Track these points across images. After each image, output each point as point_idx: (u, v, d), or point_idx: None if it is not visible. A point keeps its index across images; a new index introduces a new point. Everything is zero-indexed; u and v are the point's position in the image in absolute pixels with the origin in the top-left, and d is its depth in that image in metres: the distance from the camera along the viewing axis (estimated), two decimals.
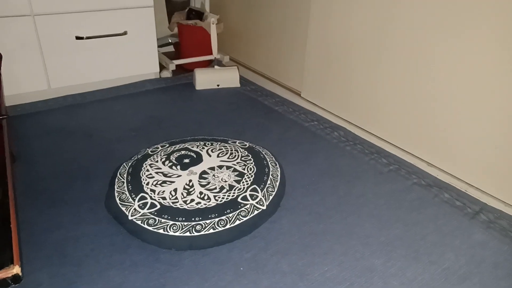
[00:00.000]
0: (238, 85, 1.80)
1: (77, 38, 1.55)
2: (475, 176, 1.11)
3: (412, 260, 0.89)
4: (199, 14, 1.96)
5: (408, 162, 1.26)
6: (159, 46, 2.04)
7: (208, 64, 2.04)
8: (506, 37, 0.97)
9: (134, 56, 1.72)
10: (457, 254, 0.91)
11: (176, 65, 1.91)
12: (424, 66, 1.17)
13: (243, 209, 0.94)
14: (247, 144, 1.20)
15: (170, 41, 2.16)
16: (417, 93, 1.21)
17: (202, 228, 0.89)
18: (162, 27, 2.09)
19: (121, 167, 1.08)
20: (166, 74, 1.88)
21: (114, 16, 1.61)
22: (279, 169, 1.11)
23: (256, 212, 0.95)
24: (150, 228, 0.88)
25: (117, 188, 1.00)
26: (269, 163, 1.11)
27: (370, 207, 1.06)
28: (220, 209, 0.93)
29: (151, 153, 1.13)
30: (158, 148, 1.16)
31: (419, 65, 1.18)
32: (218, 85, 1.78)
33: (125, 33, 1.65)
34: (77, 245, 0.90)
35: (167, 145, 1.19)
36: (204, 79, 1.76)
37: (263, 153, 1.17)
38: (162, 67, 1.90)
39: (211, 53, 1.89)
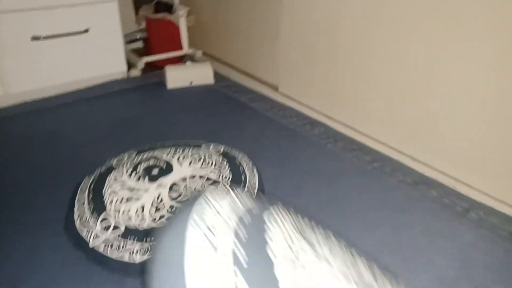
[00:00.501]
0: (212, 81, 1.70)
1: (34, 38, 1.43)
2: (463, 171, 1.06)
3: (400, 267, 0.83)
4: (167, 7, 1.84)
5: (392, 158, 1.20)
6: (126, 43, 1.92)
7: (180, 60, 1.93)
8: (486, 31, 0.91)
9: (98, 55, 1.60)
10: (447, 257, 0.86)
11: (146, 63, 1.80)
12: (408, 59, 1.10)
13: None
14: (222, 148, 1.12)
15: (138, 36, 2.04)
16: (400, 85, 1.14)
17: None
18: (129, 22, 1.97)
19: (83, 183, 0.99)
20: (135, 73, 1.77)
21: (74, 13, 1.49)
22: (256, 176, 1.03)
23: None
24: (113, 257, 0.79)
25: (77, 209, 0.91)
26: (245, 169, 1.04)
27: (355, 208, 1.00)
28: None
29: (115, 165, 1.04)
30: (124, 158, 1.07)
31: (403, 58, 1.11)
32: (191, 83, 1.68)
33: (87, 30, 1.53)
34: (30, 280, 0.80)
35: (134, 153, 1.09)
36: (176, 77, 1.66)
37: (239, 158, 1.09)
38: (131, 66, 1.78)
39: (182, 48, 1.78)
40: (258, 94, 1.62)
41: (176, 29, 1.79)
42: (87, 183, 0.99)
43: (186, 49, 1.79)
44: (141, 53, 1.90)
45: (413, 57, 1.08)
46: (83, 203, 0.93)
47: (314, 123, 1.40)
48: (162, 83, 1.70)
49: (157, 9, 1.84)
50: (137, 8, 1.94)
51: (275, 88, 1.60)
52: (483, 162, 1.01)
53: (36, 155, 1.19)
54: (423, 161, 1.14)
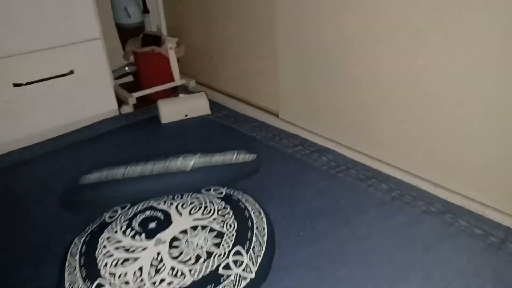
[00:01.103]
0: (209, 112, 1.61)
1: (15, 85, 1.34)
2: (492, 195, 0.96)
3: None
4: (155, 39, 1.77)
5: (411, 184, 1.10)
6: (116, 78, 1.84)
7: (173, 92, 1.85)
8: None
9: (86, 95, 1.52)
10: None
11: (138, 98, 1.71)
12: (419, 74, 1.02)
13: (226, 282, 0.76)
14: (223, 191, 1.02)
15: (127, 69, 1.96)
16: (412, 103, 1.05)
17: None
18: (116, 56, 1.89)
19: (72, 245, 0.88)
20: (127, 109, 1.68)
21: (57, 55, 1.41)
22: (265, 220, 0.93)
23: (244, 283, 0.77)
24: None
25: (68, 276, 0.80)
26: (251, 213, 0.93)
27: (379, 251, 0.89)
28: (198, 287, 0.74)
29: (108, 220, 0.93)
30: (118, 211, 0.97)
31: (412, 74, 1.03)
32: (186, 115, 1.59)
33: (71, 72, 1.45)
34: None
35: (129, 205, 0.99)
36: (170, 111, 1.57)
37: (243, 200, 0.98)
38: (121, 102, 1.70)
39: (173, 80, 1.70)
40: (258, 122, 1.53)
41: (166, 61, 1.72)
42: (77, 245, 0.88)
43: (178, 81, 1.71)
44: (131, 88, 1.82)
45: (426, 74, 1.00)
46: (74, 269, 0.82)
47: (322, 150, 1.30)
48: (155, 118, 1.61)
49: (145, 42, 1.77)
50: (123, 42, 1.86)
51: (276, 115, 1.51)
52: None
53: (21, 218, 1.08)
54: (445, 185, 1.04)
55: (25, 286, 0.86)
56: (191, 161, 0.97)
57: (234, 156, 1.04)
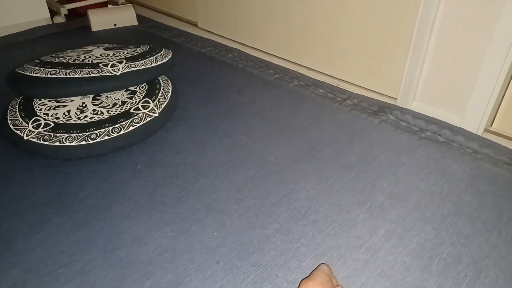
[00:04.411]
0: (136, 22, 1.81)
1: None
2: (345, 72, 1.29)
3: (286, 142, 1.05)
4: None
5: (292, 70, 1.41)
6: None
7: (103, 6, 2.00)
8: None
9: (19, 1, 1.64)
10: (323, 131, 1.09)
11: (71, 11, 1.85)
12: None
13: (135, 117, 1.03)
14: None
15: None
16: (296, 6, 1.34)
17: (97, 136, 0.96)
18: None
19: (13, 101, 1.10)
20: (59, 19, 1.83)
21: None
22: (170, 85, 1.19)
23: (148, 119, 1.04)
24: (46, 143, 0.94)
25: (10, 117, 1.03)
26: (160, 81, 1.19)
27: (256, 108, 1.20)
28: (113, 120, 1.00)
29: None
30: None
31: None
32: (115, 25, 1.77)
33: None
34: None
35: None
36: (99, 20, 1.74)
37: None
38: (54, 13, 1.83)
39: None
40: (179, 31, 1.76)
41: None
42: (17, 100, 1.10)
43: None
44: (63, 2, 1.94)
45: None
46: (15, 112, 1.04)
47: (229, 50, 1.57)
48: (87, 27, 1.78)
49: None
50: None
51: (195, 24, 1.74)
52: (358, 64, 1.24)
53: None
54: (316, 68, 1.36)
55: None
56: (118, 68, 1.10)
57: (153, 60, 1.17)
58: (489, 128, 1.06)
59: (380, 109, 1.17)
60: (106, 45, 1.27)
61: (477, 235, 0.76)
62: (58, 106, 1.05)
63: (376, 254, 0.72)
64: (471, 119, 1.04)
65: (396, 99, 1.18)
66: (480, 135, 1.04)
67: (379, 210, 0.82)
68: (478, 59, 0.98)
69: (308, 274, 0.65)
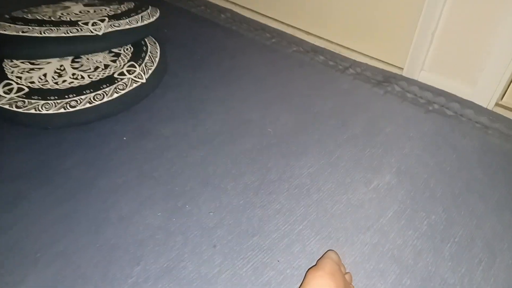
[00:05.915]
0: None
1: None
2: (347, 38, 1.20)
3: (285, 111, 0.97)
4: None
5: (289, 34, 1.31)
6: None
7: None
8: None
9: None
10: (325, 100, 1.01)
11: None
12: None
13: (120, 83, 0.93)
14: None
15: None
16: None
17: (77, 103, 0.87)
18: None
19: None
20: None
21: None
22: (158, 47, 1.09)
23: (135, 85, 0.95)
24: (20, 110, 0.84)
25: None
26: (147, 42, 1.08)
27: (252, 75, 1.11)
28: (95, 85, 0.91)
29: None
30: None
31: None
32: None
33: None
34: None
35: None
36: None
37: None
38: None
39: None
40: None
41: None
42: None
43: None
44: None
45: None
46: None
47: (222, 10, 1.45)
48: None
49: None
50: None
51: None
52: (362, 29, 1.15)
53: None
54: (315, 33, 1.27)
55: None
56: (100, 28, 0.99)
57: (139, 19, 1.06)
58: (499, 102, 1.00)
59: (385, 79, 1.09)
60: (86, 0, 1.15)
61: (490, 215, 0.72)
62: (32, 69, 0.94)
63: (385, 237, 0.67)
64: (483, 92, 0.98)
65: (402, 68, 1.10)
66: (490, 109, 0.99)
67: (386, 188, 0.77)
68: (494, 27, 0.90)
69: (315, 263, 0.60)
